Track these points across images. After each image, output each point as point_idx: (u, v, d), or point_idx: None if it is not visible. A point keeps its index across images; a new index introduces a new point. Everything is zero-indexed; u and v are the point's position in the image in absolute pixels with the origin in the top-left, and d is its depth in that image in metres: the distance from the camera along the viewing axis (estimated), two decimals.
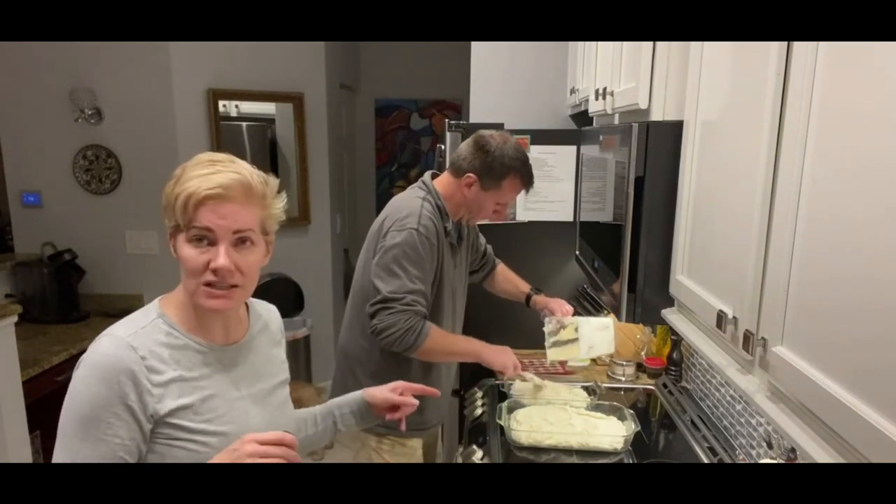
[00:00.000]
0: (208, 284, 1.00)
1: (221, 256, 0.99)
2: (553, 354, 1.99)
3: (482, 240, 2.17)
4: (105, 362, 0.98)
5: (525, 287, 2.16)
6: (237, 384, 1.11)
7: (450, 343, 1.84)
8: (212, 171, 0.99)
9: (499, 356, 1.86)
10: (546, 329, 2.01)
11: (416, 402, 1.35)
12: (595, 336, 1.99)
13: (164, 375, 1.02)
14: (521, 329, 2.25)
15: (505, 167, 1.76)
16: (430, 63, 4.89)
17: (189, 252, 1.00)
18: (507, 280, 2.20)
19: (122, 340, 1.00)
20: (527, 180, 1.82)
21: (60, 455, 0.98)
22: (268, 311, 1.26)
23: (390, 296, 1.69)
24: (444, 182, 1.84)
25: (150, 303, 1.10)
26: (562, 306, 2.04)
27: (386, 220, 1.78)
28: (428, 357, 1.79)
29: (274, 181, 1.08)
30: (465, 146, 1.81)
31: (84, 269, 3.23)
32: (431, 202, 1.80)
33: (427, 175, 1.89)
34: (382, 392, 1.35)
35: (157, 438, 1.01)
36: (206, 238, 0.99)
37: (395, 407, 1.34)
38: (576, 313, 2.09)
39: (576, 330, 1.98)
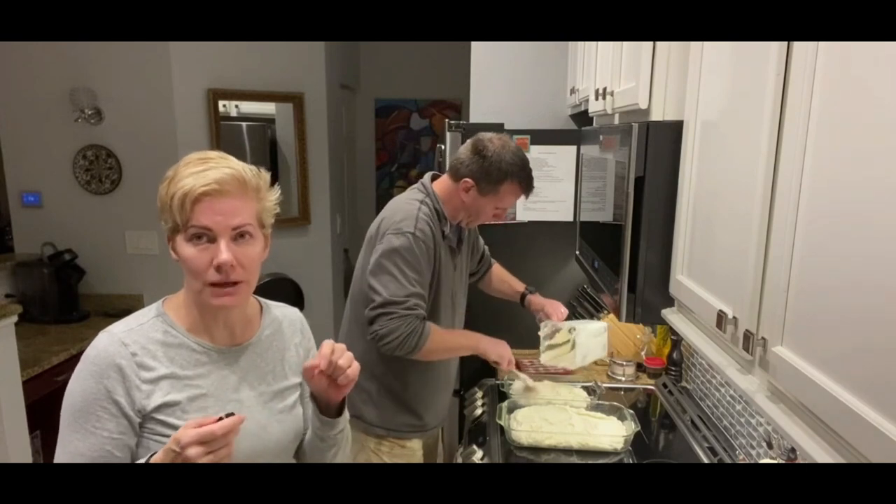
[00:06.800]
0: (213, 284, 1.01)
1: (223, 252, 0.99)
2: (547, 358, 1.99)
3: (481, 241, 2.17)
4: (96, 357, 1.01)
5: (520, 286, 2.15)
6: (237, 386, 1.11)
7: (449, 340, 1.84)
8: (205, 168, 0.99)
9: (496, 348, 1.89)
10: (541, 333, 2.00)
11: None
12: (590, 343, 1.98)
13: (155, 372, 1.03)
14: (520, 330, 2.25)
15: (502, 172, 1.74)
16: (430, 63, 4.89)
17: (190, 252, 1.00)
18: (502, 280, 2.20)
19: (115, 336, 1.03)
20: (525, 185, 1.80)
21: (59, 447, 1.02)
22: (285, 315, 1.24)
23: (391, 299, 1.68)
24: (443, 185, 1.83)
25: (155, 302, 1.12)
26: (557, 309, 2.03)
27: (383, 224, 1.77)
28: (429, 357, 1.79)
29: (266, 174, 1.08)
30: (464, 150, 1.80)
31: (84, 269, 3.23)
32: (429, 205, 1.79)
33: (427, 177, 1.88)
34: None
35: (145, 433, 1.03)
36: (205, 235, 1.00)
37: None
38: (574, 315, 2.08)
39: (570, 332, 1.97)
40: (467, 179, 1.76)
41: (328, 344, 1.05)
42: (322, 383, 1.08)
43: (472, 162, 1.75)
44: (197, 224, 0.98)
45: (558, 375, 2.28)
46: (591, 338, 1.99)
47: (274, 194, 1.09)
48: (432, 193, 1.81)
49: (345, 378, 1.06)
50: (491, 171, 1.74)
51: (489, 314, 2.36)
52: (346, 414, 1.20)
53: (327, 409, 1.15)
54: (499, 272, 2.21)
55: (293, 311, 1.27)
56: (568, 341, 1.97)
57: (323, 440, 1.17)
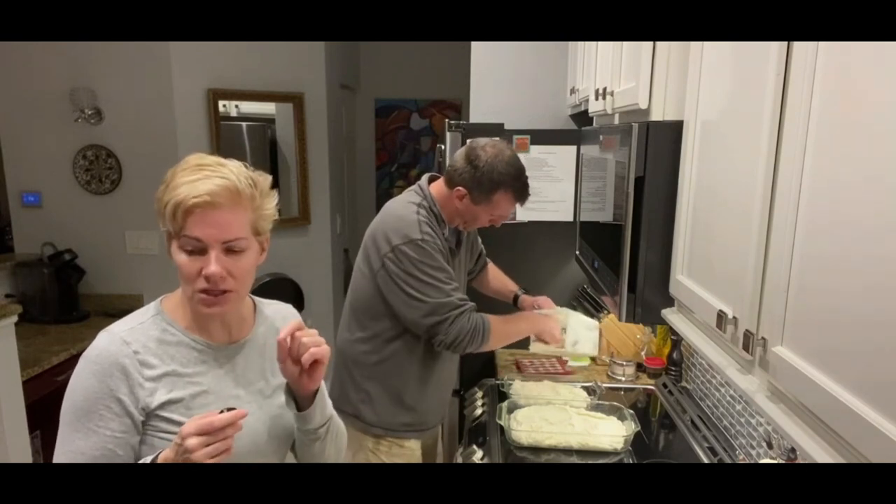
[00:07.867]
0: (203, 291, 1.02)
1: (212, 264, 1.00)
2: (536, 347, 1.99)
3: (479, 240, 2.17)
4: (98, 356, 1.02)
5: (513, 286, 2.16)
6: (235, 382, 1.12)
7: (509, 326, 1.86)
8: (198, 178, 0.99)
9: (552, 331, 1.90)
10: None
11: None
12: (581, 332, 1.98)
13: (157, 370, 1.04)
14: None
15: (494, 183, 1.73)
16: (430, 63, 4.89)
17: (182, 259, 1.02)
18: (497, 279, 2.20)
19: (117, 336, 1.04)
20: (519, 195, 1.79)
21: (59, 445, 1.02)
22: (278, 312, 1.25)
23: (438, 304, 1.69)
24: (439, 189, 1.83)
25: (153, 301, 1.13)
26: (547, 302, 2.05)
27: (386, 232, 1.75)
28: (494, 347, 1.84)
29: (264, 180, 1.07)
30: (459, 157, 1.79)
31: (84, 269, 3.22)
32: (426, 208, 1.78)
33: (424, 179, 1.87)
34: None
35: (149, 430, 1.04)
36: (196, 246, 1.00)
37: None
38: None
39: (561, 315, 1.97)
40: (460, 188, 1.76)
41: (296, 322, 1.05)
42: (293, 370, 1.06)
43: (464, 171, 1.75)
44: (188, 235, 0.99)
45: (559, 375, 2.28)
46: (582, 328, 1.99)
47: (272, 201, 1.08)
48: (429, 197, 1.81)
49: (309, 356, 1.02)
50: (483, 181, 1.73)
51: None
52: (326, 409, 1.17)
53: (303, 401, 1.12)
54: (494, 271, 2.21)
55: (285, 307, 1.28)
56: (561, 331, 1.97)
57: (305, 434, 1.15)
